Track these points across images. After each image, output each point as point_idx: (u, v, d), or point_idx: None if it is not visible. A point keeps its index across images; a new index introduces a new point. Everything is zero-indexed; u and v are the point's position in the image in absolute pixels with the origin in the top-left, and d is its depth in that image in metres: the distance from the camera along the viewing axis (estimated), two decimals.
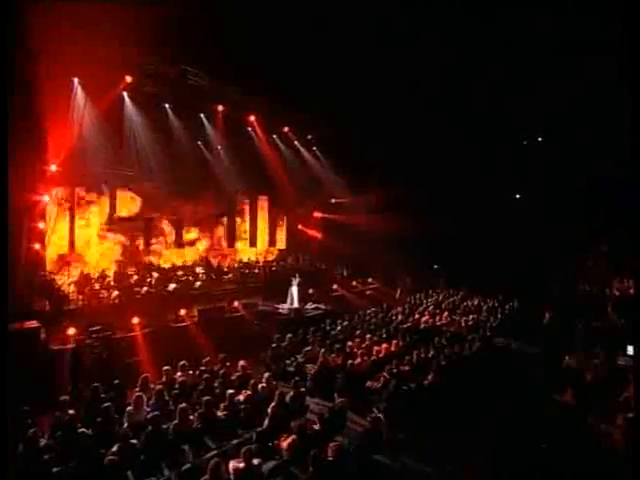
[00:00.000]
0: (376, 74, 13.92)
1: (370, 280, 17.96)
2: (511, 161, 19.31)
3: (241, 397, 6.75)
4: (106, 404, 5.78)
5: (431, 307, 13.30)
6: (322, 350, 8.59)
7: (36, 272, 11.14)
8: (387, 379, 7.43)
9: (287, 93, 12.71)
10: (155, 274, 13.50)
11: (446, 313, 12.40)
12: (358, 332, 10.37)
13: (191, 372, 7.58)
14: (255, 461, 4.66)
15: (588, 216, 17.94)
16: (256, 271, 16.92)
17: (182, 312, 10.86)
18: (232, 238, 18.36)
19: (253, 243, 19.47)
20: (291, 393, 6.67)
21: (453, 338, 10.00)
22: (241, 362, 7.73)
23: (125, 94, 12.03)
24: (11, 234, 8.87)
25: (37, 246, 11.70)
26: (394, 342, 9.31)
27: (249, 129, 15.39)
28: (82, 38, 9.83)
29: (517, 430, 6.07)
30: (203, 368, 7.83)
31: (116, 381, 6.72)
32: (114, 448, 4.95)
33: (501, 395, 7.19)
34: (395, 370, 7.74)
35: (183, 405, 5.83)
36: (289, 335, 9.74)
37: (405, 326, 11.20)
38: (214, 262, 16.27)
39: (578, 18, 11.84)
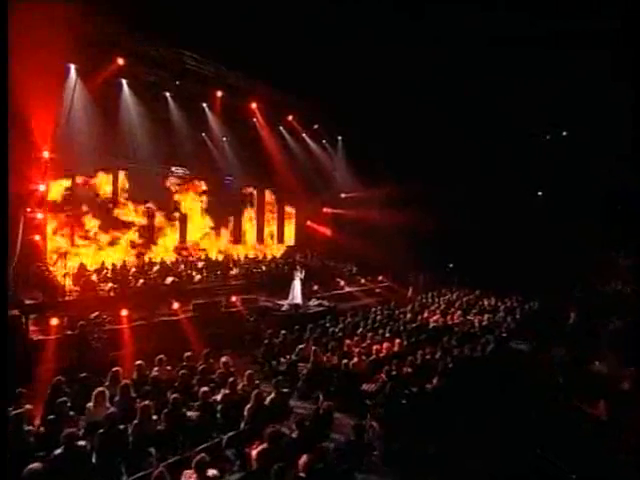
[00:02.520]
0: (393, 62, 13.23)
1: (380, 278, 17.01)
2: (533, 157, 18.10)
3: (218, 397, 6.03)
4: (61, 399, 5.13)
5: (443, 306, 12.28)
6: (315, 348, 7.75)
7: (32, 263, 10.82)
8: (385, 381, 6.54)
9: (290, 79, 12.03)
10: (155, 267, 13.04)
11: (459, 312, 11.37)
12: (360, 330, 9.51)
13: (169, 367, 6.89)
14: (210, 473, 3.90)
15: (618, 212, 16.53)
16: (263, 267, 16.36)
17: (175, 305, 10.26)
18: (238, 234, 17.82)
19: (260, 239, 18.90)
20: (272, 394, 5.88)
21: (464, 339, 8.99)
22: (223, 358, 6.98)
23: (124, 82, 11.57)
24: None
25: (37, 237, 11.48)
26: (397, 341, 8.37)
27: (253, 120, 14.71)
28: (75, 21, 9.48)
29: (534, 447, 5.08)
30: (184, 364, 7.13)
31: (83, 374, 6.09)
32: (57, 451, 4.28)
33: (516, 405, 6.19)
34: (395, 372, 6.83)
35: (145, 403, 5.13)
36: (283, 332, 8.94)
37: (412, 325, 10.23)
38: (216, 257, 15.67)
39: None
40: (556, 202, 18.21)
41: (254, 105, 13.58)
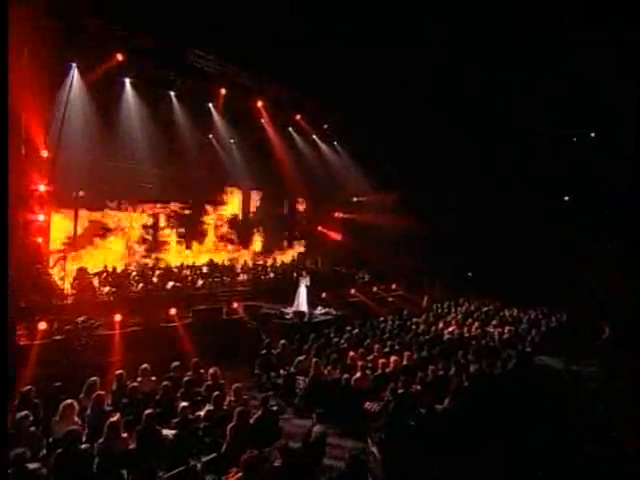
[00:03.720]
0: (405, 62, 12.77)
1: (394, 286, 16.21)
2: (559, 159, 17.08)
3: (201, 412, 5.47)
4: (22, 413, 4.66)
5: (460, 316, 11.42)
6: (315, 360, 7.11)
7: (32, 265, 10.59)
8: (389, 400, 5.83)
9: (296, 77, 11.64)
10: (157, 272, 12.71)
11: (477, 324, 10.50)
12: (367, 342, 8.79)
13: (154, 378, 6.38)
14: None
15: None
16: (271, 274, 15.88)
17: (172, 311, 9.81)
18: (245, 239, 17.40)
19: (267, 244, 18.42)
20: (258, 412, 5.27)
21: (482, 353, 8.16)
22: (211, 370, 6.43)
23: (127, 81, 11.39)
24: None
25: (39, 239, 11.31)
26: (406, 354, 7.63)
27: (261, 120, 14.32)
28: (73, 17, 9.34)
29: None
30: (171, 374, 6.62)
31: (57, 383, 5.63)
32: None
33: (541, 430, 5.39)
34: (401, 389, 6.10)
35: (113, 419, 4.61)
36: (282, 341, 8.34)
37: (425, 337, 9.45)
38: (220, 262, 15.25)
39: None
40: (584, 207, 17.08)
41: (260, 104, 13.21)
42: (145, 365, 6.43)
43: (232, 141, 15.22)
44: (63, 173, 10.41)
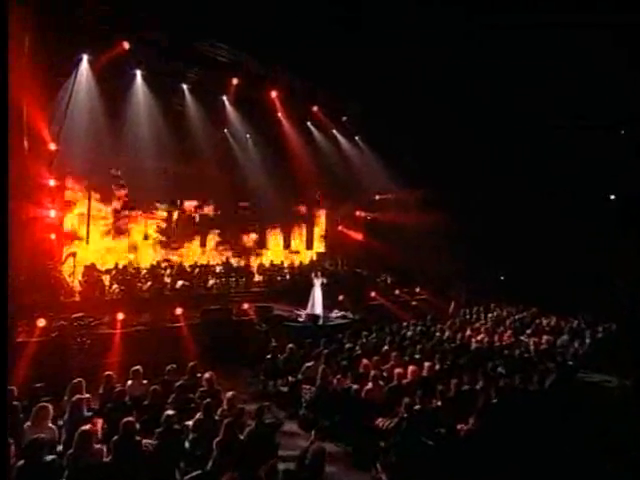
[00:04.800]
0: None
1: (418, 290, 15.36)
2: (606, 155, 15.68)
3: (190, 422, 4.99)
4: None
5: (490, 323, 10.50)
6: (323, 367, 6.51)
7: (42, 263, 10.56)
8: (403, 417, 5.14)
9: (311, 66, 11.16)
10: (168, 270, 12.50)
11: (509, 332, 9.59)
12: (384, 349, 8.07)
13: (145, 381, 5.98)
14: None
15: None
16: (287, 275, 15.44)
17: (178, 311, 9.48)
18: (263, 239, 17.04)
19: (287, 245, 17.98)
20: (251, 425, 4.72)
21: (515, 365, 7.31)
22: (207, 374, 5.95)
23: (139, 74, 11.25)
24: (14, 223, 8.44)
25: (52, 236, 11.31)
26: (427, 364, 6.88)
27: (278, 114, 13.90)
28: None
29: None
30: (165, 377, 6.20)
31: (38, 384, 5.31)
32: None
33: (586, 458, 4.55)
34: (418, 405, 5.38)
35: (86, 427, 4.18)
36: (290, 345, 7.78)
37: (449, 345, 8.65)
38: (235, 262, 14.93)
39: None
40: (632, 207, 15.60)
41: (274, 94, 12.77)
42: (137, 367, 6.05)
43: (248, 136, 14.90)
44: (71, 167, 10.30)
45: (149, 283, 11.15)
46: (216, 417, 5.08)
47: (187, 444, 4.78)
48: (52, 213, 11.00)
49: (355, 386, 6.01)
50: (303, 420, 6.17)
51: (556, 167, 15.40)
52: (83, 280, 10.57)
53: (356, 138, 16.41)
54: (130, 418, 4.48)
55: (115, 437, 4.37)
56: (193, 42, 10.62)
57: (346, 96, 13.20)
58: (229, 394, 5.26)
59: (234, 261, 15.22)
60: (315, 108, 14.05)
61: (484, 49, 12.94)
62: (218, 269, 13.87)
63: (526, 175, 15.43)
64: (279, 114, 13.90)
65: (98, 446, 4.22)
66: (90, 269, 11.15)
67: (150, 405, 5.39)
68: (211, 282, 12.54)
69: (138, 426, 5.25)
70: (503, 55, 13.03)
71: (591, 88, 13.20)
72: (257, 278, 14.79)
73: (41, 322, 7.68)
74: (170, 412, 4.79)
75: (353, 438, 5.58)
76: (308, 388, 6.58)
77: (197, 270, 13.14)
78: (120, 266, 11.86)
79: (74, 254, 11.28)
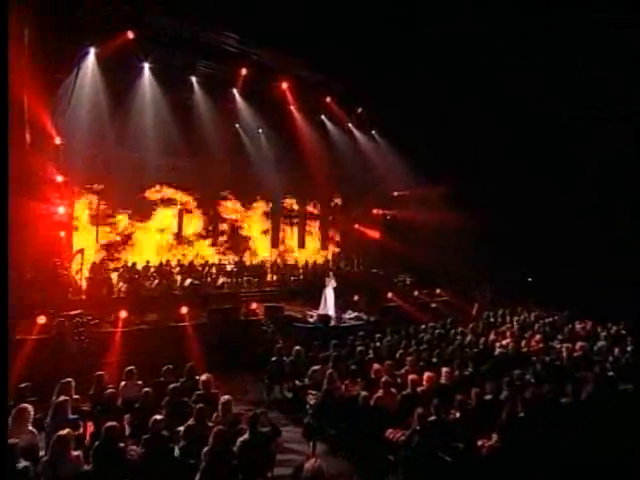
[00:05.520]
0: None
1: (438, 291, 14.69)
2: None
3: (181, 428, 4.65)
4: None
5: (516, 327, 9.79)
6: (331, 371, 6.07)
7: (49, 260, 10.55)
8: (414, 430, 4.65)
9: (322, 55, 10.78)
10: (178, 268, 12.36)
11: (538, 337, 8.87)
12: (399, 353, 7.56)
13: (140, 382, 5.70)
14: None
15: None
16: (301, 275, 15.12)
17: (184, 310, 9.25)
18: (276, 238, 16.76)
19: (302, 244, 17.66)
20: (245, 435, 4.33)
21: (545, 374, 6.67)
22: (203, 376, 5.61)
23: (146, 65, 11.13)
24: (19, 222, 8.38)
25: (62, 233, 11.32)
26: (445, 370, 6.33)
27: (290, 107, 13.56)
28: None
29: None
30: (161, 379, 5.91)
31: (24, 384, 5.08)
32: None
33: None
34: (434, 416, 4.87)
35: (63, 432, 3.89)
36: (297, 347, 7.37)
37: (471, 350, 8.03)
38: (248, 261, 14.70)
39: None
40: None
41: (285, 85, 12.42)
42: (131, 367, 5.78)
43: (260, 131, 14.64)
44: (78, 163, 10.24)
45: (156, 281, 10.99)
46: (210, 423, 4.73)
47: (177, 452, 4.45)
48: (61, 210, 11.08)
49: (364, 393, 5.53)
50: (307, 428, 5.73)
51: (594, 161, 14.45)
52: (91, 278, 10.50)
53: (372, 132, 15.90)
54: (113, 423, 4.16)
55: (96, 443, 4.09)
56: (201, 31, 10.37)
57: (360, 85, 12.68)
58: (224, 398, 4.89)
59: (247, 260, 15.03)
60: (328, 99, 13.62)
61: (506, 40, 12.36)
62: (229, 267, 13.69)
63: (558, 169, 14.53)
64: (291, 107, 13.55)
65: (76, 453, 3.93)
66: (98, 267, 11.10)
67: (141, 408, 5.10)
68: (221, 280, 12.33)
69: (128, 431, 5.05)
70: (526, 47, 12.42)
71: (624, 80, 12.34)
72: (269, 277, 14.56)
73: (41, 319, 7.56)
74: (158, 417, 4.46)
75: (359, 451, 5.11)
76: (314, 394, 6.16)
77: (207, 269, 12.96)
78: (129, 264, 11.80)
79: (82, 251, 11.24)
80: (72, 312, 7.64)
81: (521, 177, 14.47)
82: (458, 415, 5.12)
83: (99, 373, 5.54)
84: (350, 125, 15.30)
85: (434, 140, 14.38)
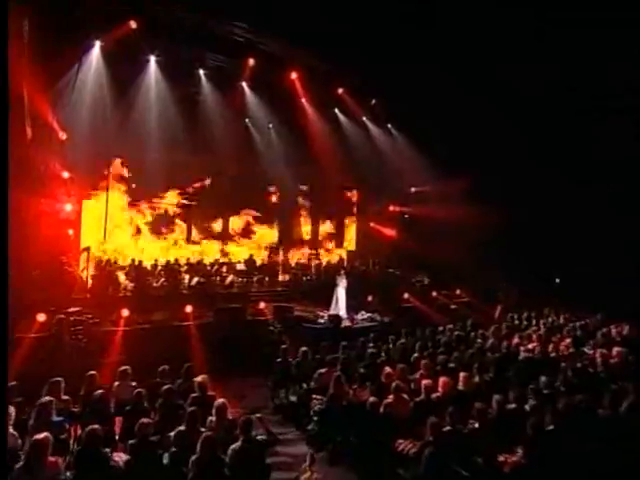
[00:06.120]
0: None
1: (458, 292, 14.08)
2: None
3: (172, 433, 4.34)
4: None
5: (543, 330, 9.14)
6: (338, 375, 5.67)
7: (56, 258, 10.51)
8: (427, 441, 4.21)
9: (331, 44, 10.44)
10: (186, 267, 12.20)
11: (568, 341, 8.22)
12: (414, 356, 7.08)
13: (134, 383, 5.44)
14: None
15: None
16: (314, 275, 14.78)
17: (188, 309, 9.03)
18: (289, 237, 16.47)
19: (314, 242, 17.31)
20: (237, 443, 3.98)
21: (577, 382, 6.09)
22: (199, 378, 5.31)
23: (152, 59, 11.01)
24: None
25: (70, 231, 11.30)
26: (463, 376, 5.84)
27: (302, 100, 13.23)
28: None
29: None
30: (157, 380, 5.64)
31: (12, 383, 4.88)
32: None
33: None
34: (448, 426, 4.41)
35: (39, 437, 3.63)
36: (303, 349, 7.00)
37: (493, 354, 7.48)
38: (259, 261, 14.45)
39: None
40: None
41: (294, 75, 12.07)
42: (125, 367, 5.53)
43: (270, 126, 14.39)
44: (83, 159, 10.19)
45: (162, 280, 10.84)
46: (202, 429, 4.41)
47: (167, 459, 4.14)
48: (68, 207, 11.04)
49: (373, 398, 5.11)
50: (310, 436, 5.36)
51: (618, 155, 13.63)
52: (96, 276, 10.42)
53: (388, 125, 15.42)
54: (95, 426, 3.88)
55: (77, 448, 3.82)
56: (209, 19, 10.17)
57: (372, 76, 12.26)
58: (218, 402, 4.57)
59: (258, 259, 14.79)
60: (340, 90, 13.22)
61: (524, 35, 11.83)
62: (239, 267, 13.47)
63: (580, 163, 13.76)
64: (302, 99, 13.22)
65: (53, 459, 3.66)
66: (105, 265, 11.02)
67: (133, 411, 4.83)
68: (229, 279, 12.10)
69: (117, 435, 4.80)
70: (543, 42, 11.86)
71: None
72: (281, 277, 14.26)
73: (41, 317, 7.44)
74: (145, 420, 4.17)
75: (365, 463, 4.70)
76: (319, 398, 5.78)
77: (217, 267, 12.77)
78: (136, 262, 11.69)
79: (88, 249, 11.19)
80: (70, 309, 7.48)
81: (551, 173, 13.77)
82: (477, 425, 4.65)
83: (91, 373, 5.30)
84: (364, 118, 14.86)
85: (452, 134, 13.83)
